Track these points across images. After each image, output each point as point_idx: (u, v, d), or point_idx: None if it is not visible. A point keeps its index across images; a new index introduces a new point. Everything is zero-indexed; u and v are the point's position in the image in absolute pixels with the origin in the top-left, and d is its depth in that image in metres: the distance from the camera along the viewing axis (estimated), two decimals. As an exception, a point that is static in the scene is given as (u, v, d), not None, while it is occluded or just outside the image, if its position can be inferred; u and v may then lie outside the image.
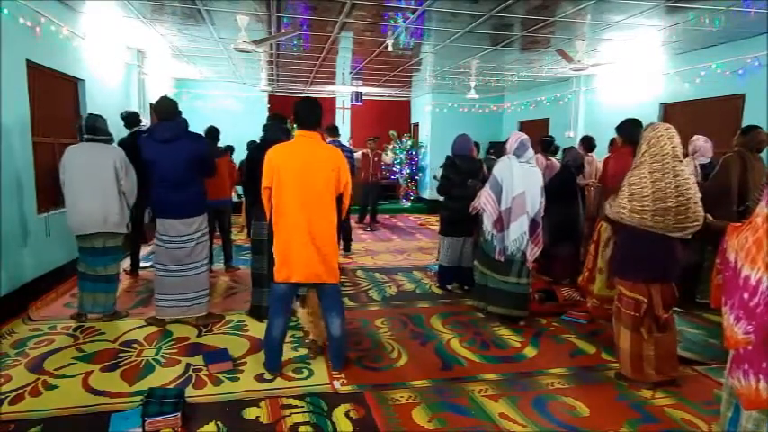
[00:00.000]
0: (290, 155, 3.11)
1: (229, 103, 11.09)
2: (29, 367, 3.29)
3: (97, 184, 3.89)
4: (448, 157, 5.20)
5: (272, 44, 6.30)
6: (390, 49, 6.51)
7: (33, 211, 4.52)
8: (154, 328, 4.00)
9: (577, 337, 4.05)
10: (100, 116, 4.10)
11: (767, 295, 1.71)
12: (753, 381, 1.79)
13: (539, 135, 6.93)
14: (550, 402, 3.01)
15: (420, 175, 12.42)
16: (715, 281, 2.14)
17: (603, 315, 4.11)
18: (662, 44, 6.18)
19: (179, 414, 2.64)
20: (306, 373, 3.32)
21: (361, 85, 10.73)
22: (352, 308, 4.65)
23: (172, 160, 3.81)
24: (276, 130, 4.26)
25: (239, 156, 6.80)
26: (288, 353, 3.53)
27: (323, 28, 5.77)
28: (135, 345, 3.70)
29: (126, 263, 5.22)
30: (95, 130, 3.99)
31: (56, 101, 5.17)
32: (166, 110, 3.91)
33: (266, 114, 10.62)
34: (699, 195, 2.98)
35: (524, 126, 11.12)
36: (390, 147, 11.29)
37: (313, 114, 3.18)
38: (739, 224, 1.94)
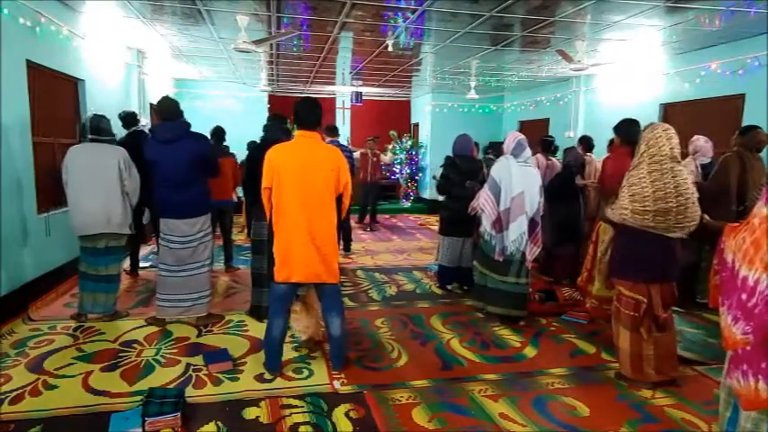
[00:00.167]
0: (290, 155, 3.11)
1: (229, 103, 11.09)
2: (29, 367, 3.29)
3: (101, 185, 3.89)
4: (448, 157, 5.20)
5: (272, 44, 6.30)
6: (390, 49, 6.51)
7: (33, 211, 4.52)
8: (154, 328, 4.00)
9: (577, 337, 4.05)
10: (104, 116, 4.10)
11: (765, 296, 1.71)
12: (752, 381, 1.79)
13: (539, 135, 6.94)
14: (550, 402, 3.01)
15: (420, 175, 12.42)
16: (712, 281, 2.15)
17: (602, 315, 4.11)
18: (662, 44, 6.18)
19: (179, 414, 2.64)
20: (306, 373, 3.32)
21: (361, 85, 10.73)
22: (352, 308, 4.65)
23: (174, 160, 3.81)
24: (276, 130, 4.27)
25: (238, 156, 6.79)
26: (288, 353, 3.53)
27: (323, 28, 5.77)
28: (135, 345, 3.70)
29: (126, 263, 5.22)
30: (100, 130, 3.99)
31: (56, 101, 5.17)
32: (168, 110, 3.92)
33: (266, 114, 10.63)
34: (696, 195, 2.99)
35: (524, 126, 11.12)
36: (390, 147, 11.29)
37: (313, 114, 3.18)
38: (736, 224, 1.94)
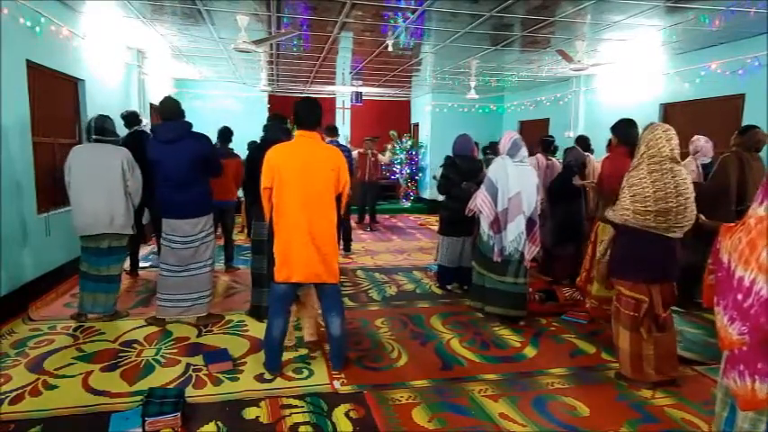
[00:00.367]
0: (289, 155, 3.11)
1: (229, 103, 11.09)
2: (29, 367, 3.29)
3: (104, 185, 3.89)
4: (448, 157, 5.20)
5: (272, 44, 6.30)
6: (390, 49, 6.51)
7: (33, 211, 4.52)
8: (154, 328, 4.00)
9: (577, 337, 4.05)
10: (108, 117, 4.11)
11: (761, 296, 1.71)
12: (749, 381, 1.79)
13: (539, 135, 6.94)
14: (550, 402, 3.01)
15: (420, 175, 12.41)
16: (707, 281, 2.15)
17: (602, 315, 4.11)
18: (662, 44, 6.18)
19: (179, 414, 2.64)
20: (306, 373, 3.32)
21: (361, 85, 10.72)
22: (352, 308, 4.65)
23: (175, 160, 3.81)
24: (276, 130, 4.27)
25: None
26: (288, 353, 3.53)
27: (323, 28, 5.77)
28: (135, 345, 3.70)
29: (126, 263, 5.22)
30: (104, 130, 4.00)
31: (56, 101, 5.17)
32: (170, 110, 3.92)
33: (266, 114, 10.63)
34: (694, 195, 2.99)
35: (524, 126, 11.13)
36: (389, 147, 11.30)
37: (313, 114, 3.18)
38: (732, 225, 1.95)
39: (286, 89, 11.45)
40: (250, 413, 2.81)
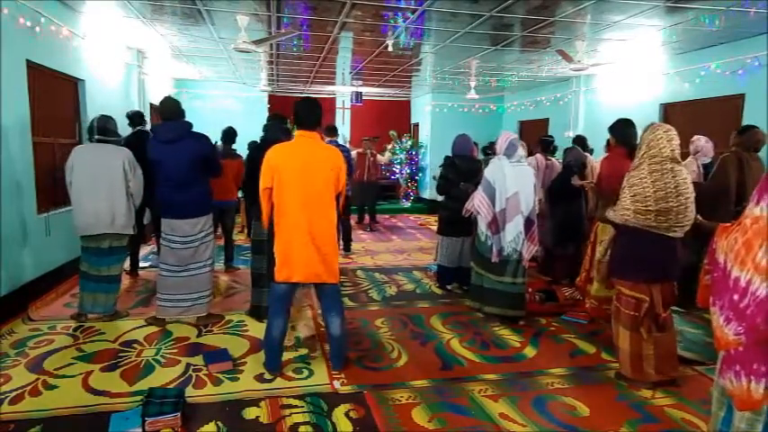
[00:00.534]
0: (289, 155, 3.11)
1: (229, 103, 11.10)
2: (29, 367, 3.29)
3: (106, 185, 3.90)
4: (447, 158, 5.20)
5: (272, 44, 6.30)
6: (390, 49, 6.51)
7: (33, 211, 4.52)
8: (154, 328, 4.00)
9: (577, 337, 4.05)
10: (111, 117, 4.11)
11: (757, 296, 1.72)
12: (744, 382, 1.79)
13: (539, 135, 6.94)
14: (550, 402, 3.01)
15: (420, 175, 12.41)
16: (703, 281, 2.15)
17: (602, 315, 4.11)
18: (662, 44, 6.18)
19: (179, 414, 2.64)
20: (306, 373, 3.32)
21: (361, 85, 10.73)
22: (352, 308, 4.65)
23: (175, 160, 3.81)
24: (276, 131, 4.27)
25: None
26: (288, 353, 3.53)
27: (323, 28, 5.77)
28: (135, 345, 3.70)
29: (126, 263, 5.22)
30: (106, 131, 4.00)
31: (56, 101, 5.17)
32: (171, 110, 3.92)
33: (266, 114, 10.63)
34: (693, 195, 3.00)
35: (524, 126, 11.13)
36: (389, 147, 11.31)
37: (313, 114, 3.18)
38: (728, 225, 1.95)
39: (286, 89, 11.45)
40: (250, 413, 2.81)
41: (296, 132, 3.21)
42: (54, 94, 5.12)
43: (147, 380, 3.17)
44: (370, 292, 5.23)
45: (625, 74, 7.71)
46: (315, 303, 3.71)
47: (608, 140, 4.36)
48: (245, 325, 4.14)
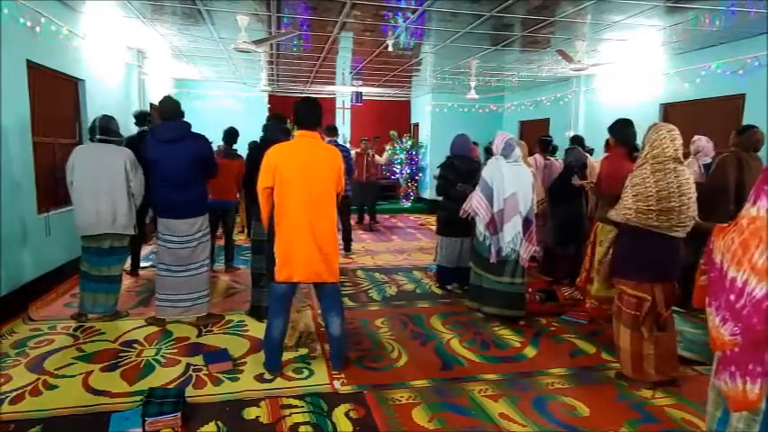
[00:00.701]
0: (290, 155, 3.11)
1: (229, 103, 11.10)
2: (29, 367, 3.29)
3: (107, 185, 3.90)
4: (448, 158, 5.20)
5: (272, 44, 6.30)
6: (390, 49, 6.51)
7: (33, 211, 4.52)
8: (154, 328, 4.00)
9: (577, 337, 4.05)
10: (113, 117, 4.11)
11: (753, 297, 1.72)
12: (739, 382, 1.79)
13: (538, 135, 6.94)
14: (550, 402, 3.01)
15: (420, 175, 12.41)
16: (699, 282, 2.15)
17: (602, 315, 4.11)
18: (662, 44, 6.18)
19: (179, 414, 2.64)
20: (306, 373, 3.32)
21: (361, 85, 10.73)
22: (352, 308, 4.65)
23: (175, 160, 3.81)
24: (275, 130, 4.26)
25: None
26: (288, 353, 3.53)
27: (323, 28, 5.78)
28: (135, 345, 3.70)
29: (126, 263, 5.22)
30: (108, 131, 4.00)
31: (56, 101, 5.17)
32: (170, 110, 3.92)
33: (266, 114, 10.63)
34: (695, 195, 3.00)
35: (524, 126, 11.14)
36: (388, 147, 11.31)
37: (313, 114, 3.18)
38: (725, 225, 1.95)
39: (286, 89, 11.45)
40: (250, 413, 2.81)
41: (296, 132, 3.20)
42: (54, 94, 5.12)
43: (148, 380, 3.17)
44: (370, 292, 5.23)
45: (625, 74, 7.71)
46: (315, 303, 3.71)
47: (607, 140, 4.36)
48: (245, 325, 4.14)
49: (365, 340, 3.91)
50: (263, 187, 3.12)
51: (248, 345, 3.74)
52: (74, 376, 3.18)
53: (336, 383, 3.17)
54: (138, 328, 4.03)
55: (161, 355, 3.53)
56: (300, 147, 3.15)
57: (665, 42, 6.07)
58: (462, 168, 5.01)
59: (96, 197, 3.88)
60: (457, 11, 4.93)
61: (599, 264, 3.90)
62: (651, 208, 2.94)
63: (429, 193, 11.69)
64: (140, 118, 5.48)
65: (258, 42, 5.42)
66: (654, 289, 3.08)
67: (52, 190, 4.93)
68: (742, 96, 5.84)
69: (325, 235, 3.12)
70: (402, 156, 12.04)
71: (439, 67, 8.29)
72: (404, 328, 4.20)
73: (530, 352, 3.77)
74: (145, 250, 6.21)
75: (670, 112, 6.98)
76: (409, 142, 12.24)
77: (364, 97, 11.66)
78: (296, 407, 2.88)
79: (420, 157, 12.38)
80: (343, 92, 11.98)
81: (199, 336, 3.90)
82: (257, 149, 4.10)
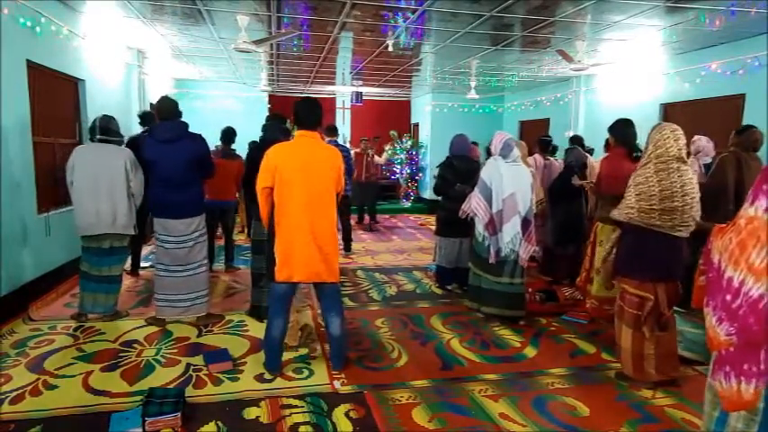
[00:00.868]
0: (290, 155, 3.11)
1: (229, 103, 11.10)
2: (29, 367, 3.29)
3: (107, 185, 3.90)
4: (447, 158, 5.19)
5: (272, 44, 6.30)
6: (390, 49, 6.51)
7: (33, 211, 4.52)
8: (154, 328, 4.00)
9: (577, 337, 4.05)
10: (113, 117, 4.11)
11: (749, 297, 1.72)
12: (734, 383, 1.79)
13: (539, 135, 6.94)
14: (550, 402, 3.01)
15: (420, 175, 12.42)
16: (698, 282, 2.15)
17: (602, 315, 4.11)
18: (662, 44, 6.18)
19: (179, 414, 2.64)
20: (306, 373, 3.32)
21: (361, 85, 10.73)
22: (353, 308, 4.65)
23: (173, 160, 3.81)
24: (275, 131, 4.25)
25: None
26: (288, 353, 3.53)
27: (323, 28, 5.78)
28: (135, 345, 3.70)
29: (127, 263, 5.22)
30: (108, 131, 4.00)
31: (56, 101, 5.17)
32: (168, 110, 3.92)
33: (266, 114, 10.62)
34: (698, 195, 3.00)
35: (524, 126, 11.14)
36: (387, 148, 11.30)
37: (313, 114, 3.18)
38: (724, 225, 1.95)
39: (286, 89, 11.45)
40: (250, 413, 2.81)
41: (296, 132, 3.20)
42: (54, 94, 5.12)
43: (148, 380, 3.17)
44: (370, 292, 5.23)
45: (625, 74, 7.71)
46: (315, 303, 3.71)
47: (607, 140, 4.36)
48: (246, 325, 4.14)
49: (365, 340, 3.91)
50: (263, 187, 3.12)
51: (248, 345, 3.74)
52: (74, 376, 3.18)
53: (336, 383, 3.17)
54: (138, 328, 4.03)
55: (161, 355, 3.53)
56: (300, 147, 3.15)
57: (665, 42, 6.07)
58: (461, 168, 5.00)
59: (96, 197, 3.88)
60: (457, 11, 4.93)
61: (602, 264, 3.89)
62: (654, 207, 2.94)
63: (429, 193, 11.68)
64: (145, 118, 5.48)
65: (258, 42, 5.42)
66: (657, 288, 3.08)
67: (52, 190, 4.92)
68: (742, 96, 5.84)
69: (325, 235, 3.12)
70: (402, 156, 12.04)
71: (439, 67, 8.29)
72: (404, 328, 4.20)
73: (530, 352, 3.77)
74: (145, 250, 6.21)
75: (670, 112, 6.98)
76: (409, 142, 12.24)
77: (364, 97, 11.66)
78: (296, 407, 2.88)
79: (420, 157, 12.38)
80: (343, 92, 11.98)
81: (199, 336, 3.91)
82: (257, 149, 4.10)
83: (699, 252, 4.38)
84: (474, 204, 4.27)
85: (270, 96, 11.67)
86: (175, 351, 3.61)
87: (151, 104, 8.11)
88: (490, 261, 4.22)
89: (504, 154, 4.25)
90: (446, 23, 5.45)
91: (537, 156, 6.01)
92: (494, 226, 4.21)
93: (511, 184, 4.16)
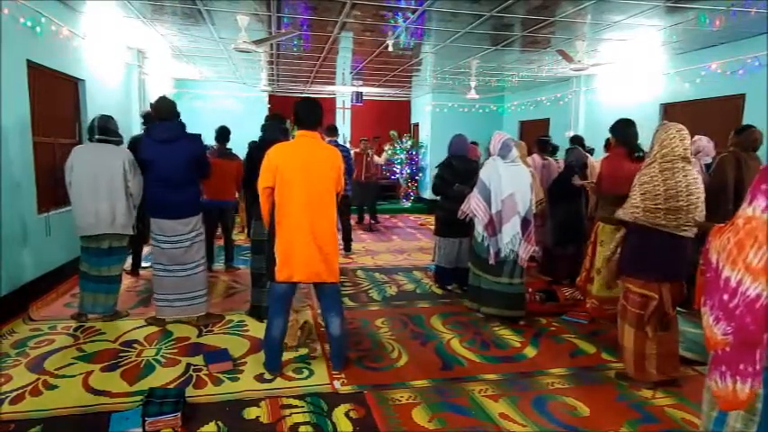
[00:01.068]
0: (291, 155, 3.11)
1: (229, 103, 11.10)
2: (29, 367, 3.29)
3: (106, 185, 3.89)
4: (446, 158, 5.18)
5: (272, 44, 6.30)
6: (390, 49, 6.51)
7: (33, 211, 4.52)
8: (154, 328, 4.00)
9: (577, 337, 4.05)
10: (111, 117, 4.10)
11: (747, 297, 1.72)
12: (730, 382, 1.80)
13: (539, 135, 6.94)
14: (550, 402, 3.01)
15: (420, 175, 12.42)
16: (700, 282, 2.15)
17: (603, 315, 4.11)
18: (662, 44, 6.18)
19: (179, 414, 2.64)
20: (306, 373, 3.32)
21: (361, 85, 10.73)
22: (353, 308, 4.65)
23: (171, 160, 3.81)
24: (274, 131, 4.26)
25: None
26: (288, 353, 3.53)
27: (323, 28, 5.78)
28: (135, 345, 3.70)
29: (127, 263, 5.22)
30: (107, 130, 3.99)
31: (56, 101, 5.17)
32: (166, 110, 3.92)
33: (266, 114, 10.63)
34: (703, 195, 3.00)
35: (524, 126, 11.14)
36: (386, 148, 11.30)
37: (313, 114, 3.18)
38: (722, 225, 1.95)
39: (286, 89, 11.45)
40: (250, 413, 2.81)
41: (297, 132, 3.20)
42: (54, 94, 5.12)
43: (148, 380, 3.17)
44: (370, 292, 5.23)
45: (625, 74, 7.71)
46: (315, 303, 3.71)
47: (607, 140, 4.35)
48: (246, 325, 4.14)
49: (365, 340, 3.91)
50: (264, 187, 3.13)
51: (248, 345, 3.74)
52: (74, 376, 3.18)
53: (336, 383, 3.17)
54: (138, 328, 4.03)
55: (161, 355, 3.53)
56: (301, 147, 3.15)
57: (665, 42, 6.07)
58: (460, 168, 5.00)
59: (95, 197, 3.88)
60: (457, 11, 4.93)
61: (606, 263, 3.89)
62: (659, 207, 2.94)
63: (429, 193, 11.63)
64: (148, 118, 5.46)
65: (258, 42, 5.42)
66: (661, 288, 3.08)
67: (52, 190, 4.92)
68: (742, 96, 5.84)
69: (325, 235, 3.12)
70: (402, 156, 12.04)
71: (439, 67, 8.29)
72: (404, 328, 4.20)
73: (530, 352, 3.77)
74: (146, 250, 6.21)
75: (670, 112, 6.97)
76: (409, 142, 12.24)
77: (364, 97, 11.66)
78: (296, 407, 2.88)
79: (420, 157, 12.38)
80: (343, 92, 11.98)
81: (199, 336, 3.91)
82: (257, 149, 4.11)
83: (700, 252, 4.39)
84: (473, 205, 4.27)
85: (270, 96, 11.67)
86: (175, 351, 3.61)
87: (151, 104, 8.11)
88: (490, 262, 4.22)
89: (503, 154, 4.24)
90: (446, 23, 5.45)
91: (535, 156, 6.01)
92: (493, 227, 4.21)
93: (510, 184, 4.16)
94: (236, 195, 6.12)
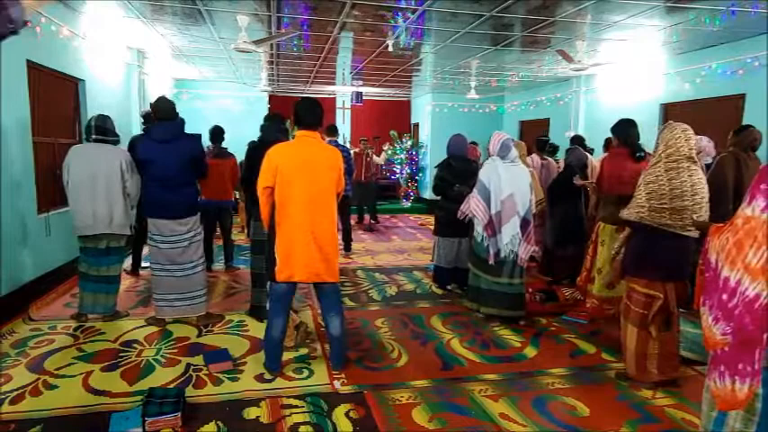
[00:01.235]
0: (291, 155, 3.10)
1: (229, 103, 11.09)
2: (29, 367, 3.29)
3: (103, 185, 3.89)
4: (445, 158, 5.18)
5: (272, 44, 6.30)
6: (390, 49, 6.51)
7: (33, 211, 4.52)
8: (154, 328, 4.01)
9: (577, 337, 4.05)
10: (109, 117, 4.10)
11: (745, 297, 1.72)
12: (728, 382, 1.80)
13: (539, 135, 6.94)
14: (550, 402, 3.01)
15: (420, 175, 12.42)
16: (698, 282, 2.16)
17: (603, 315, 4.11)
18: (662, 44, 6.18)
19: (179, 414, 2.64)
20: (306, 373, 3.32)
21: (361, 85, 10.73)
22: (353, 308, 4.65)
23: (171, 160, 3.81)
24: (273, 131, 4.25)
25: (237, 156, 6.75)
26: (288, 353, 3.53)
27: (323, 28, 5.78)
28: (135, 345, 3.70)
29: (126, 262, 5.23)
30: (105, 130, 3.99)
31: (56, 101, 5.17)
32: (165, 110, 3.92)
33: (265, 114, 10.62)
34: (708, 195, 3.00)
35: (524, 126, 11.13)
36: (386, 148, 11.31)
37: (313, 114, 3.18)
38: (721, 225, 1.95)
39: (286, 89, 11.45)
40: (250, 413, 2.81)
41: (297, 132, 3.20)
42: (54, 94, 5.12)
43: (148, 380, 3.17)
44: (370, 292, 5.23)
45: (625, 74, 7.71)
46: (315, 303, 3.71)
47: (608, 140, 4.36)
48: (246, 325, 4.14)
49: (365, 340, 3.91)
50: (264, 187, 3.12)
51: (248, 345, 3.74)
52: (74, 376, 3.18)
53: (336, 383, 3.17)
54: (138, 328, 4.03)
55: (161, 355, 3.53)
56: (301, 147, 3.15)
57: (665, 42, 6.07)
58: (459, 168, 4.99)
59: (93, 197, 3.88)
60: (457, 11, 4.93)
61: (610, 263, 3.89)
62: (664, 206, 2.94)
63: (429, 193, 11.67)
64: (148, 118, 5.47)
65: (258, 42, 5.42)
66: (666, 288, 3.08)
67: (52, 190, 4.93)
68: (742, 96, 5.84)
69: (325, 235, 3.12)
70: (402, 156, 12.04)
71: (439, 67, 8.29)
72: (404, 328, 4.20)
73: (530, 352, 3.77)
74: (145, 250, 6.21)
75: (670, 112, 6.97)
76: (409, 142, 12.24)
77: (364, 97, 11.66)
78: (296, 407, 2.88)
79: (420, 157, 12.38)
80: (343, 92, 11.98)
81: (199, 336, 3.91)
82: (256, 149, 4.10)
83: (700, 252, 4.39)
84: (473, 206, 4.27)
85: (270, 96, 11.67)
86: (175, 351, 3.61)
87: (151, 104, 8.10)
88: (489, 262, 4.22)
89: (503, 154, 4.24)
90: (446, 23, 5.45)
91: (534, 156, 6.02)
92: (493, 227, 4.21)
93: (509, 184, 4.16)
94: (236, 195, 6.10)
